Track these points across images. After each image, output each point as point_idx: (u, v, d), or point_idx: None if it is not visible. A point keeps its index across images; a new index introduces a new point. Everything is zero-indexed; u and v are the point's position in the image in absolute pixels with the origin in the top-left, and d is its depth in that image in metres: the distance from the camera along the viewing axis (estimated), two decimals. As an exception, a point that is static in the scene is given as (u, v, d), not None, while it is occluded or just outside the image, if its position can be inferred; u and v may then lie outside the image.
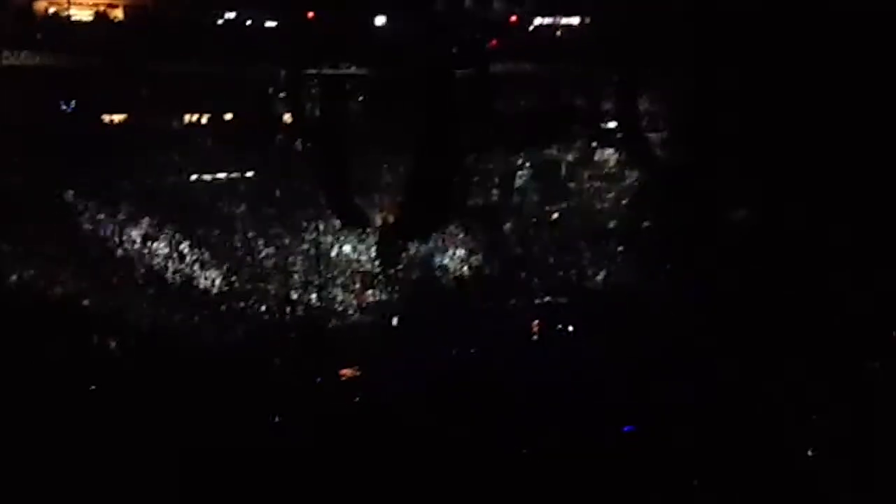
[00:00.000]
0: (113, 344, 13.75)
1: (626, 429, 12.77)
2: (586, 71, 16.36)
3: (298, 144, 16.11)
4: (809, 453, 11.69)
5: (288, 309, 15.16)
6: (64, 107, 15.19)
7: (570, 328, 14.96)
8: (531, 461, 12.27)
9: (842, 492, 10.97)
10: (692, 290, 14.81)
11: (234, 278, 15.27)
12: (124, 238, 15.09)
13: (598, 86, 16.50)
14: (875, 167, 14.58)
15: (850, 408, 12.13)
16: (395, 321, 15.12)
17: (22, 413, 11.45)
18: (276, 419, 12.42)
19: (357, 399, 13.60)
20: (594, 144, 16.57)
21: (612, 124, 16.51)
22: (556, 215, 16.39)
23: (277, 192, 15.89)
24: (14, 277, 14.01)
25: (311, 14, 15.70)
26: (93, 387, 12.79)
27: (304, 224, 15.80)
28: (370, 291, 15.50)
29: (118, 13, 15.51)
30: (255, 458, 11.49)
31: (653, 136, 16.47)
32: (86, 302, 14.21)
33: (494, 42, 16.35)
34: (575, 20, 16.60)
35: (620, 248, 15.94)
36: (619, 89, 16.23)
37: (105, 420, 11.56)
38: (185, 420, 11.68)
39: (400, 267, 15.78)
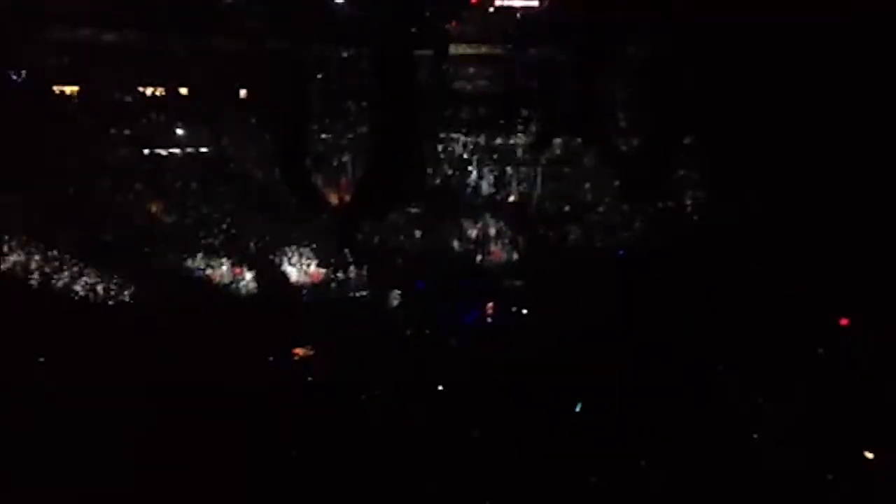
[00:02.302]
0: (60, 320, 13.65)
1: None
2: (546, 53, 16.27)
3: (255, 121, 15.97)
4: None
5: (241, 287, 15.10)
6: (14, 77, 14.95)
7: (524, 311, 14.94)
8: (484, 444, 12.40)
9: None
10: (647, 272, 14.83)
11: (185, 255, 15.18)
12: (73, 211, 14.92)
13: (557, 68, 16.37)
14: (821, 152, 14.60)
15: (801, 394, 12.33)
16: (350, 300, 15.11)
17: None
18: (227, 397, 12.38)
19: (310, 379, 13.62)
20: (552, 128, 16.50)
21: (570, 108, 16.41)
22: (512, 198, 16.37)
23: (233, 168, 15.79)
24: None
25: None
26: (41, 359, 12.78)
27: (259, 202, 15.70)
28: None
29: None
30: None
31: (613, 120, 16.32)
32: (34, 276, 14.11)
33: (454, 23, 16.28)
34: (535, 2, 16.51)
35: (578, 231, 15.94)
36: (578, 72, 16.09)
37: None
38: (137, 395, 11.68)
39: (356, 247, 15.71)
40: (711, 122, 14.86)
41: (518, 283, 15.23)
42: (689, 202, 15.70)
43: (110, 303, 14.54)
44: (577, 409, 12.56)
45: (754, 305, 13.33)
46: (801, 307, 13.30)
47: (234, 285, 15.06)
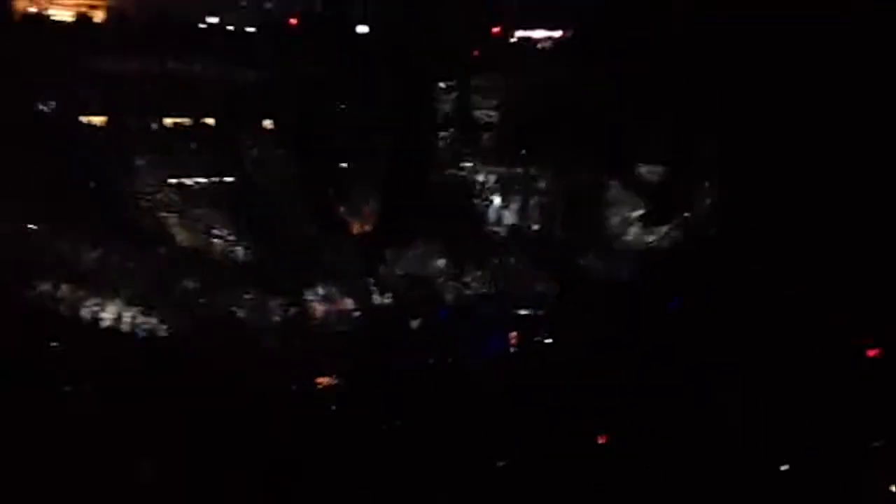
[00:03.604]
0: (85, 348, 13.72)
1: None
2: (568, 83, 16.31)
3: (277, 150, 16.07)
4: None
5: (265, 316, 15.12)
6: (42, 108, 15.12)
7: (548, 340, 14.95)
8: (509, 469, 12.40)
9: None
10: (672, 298, 14.82)
11: (211, 283, 15.24)
12: (100, 240, 15.01)
13: (580, 98, 16.39)
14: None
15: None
16: (372, 329, 15.12)
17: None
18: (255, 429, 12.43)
19: (333, 408, 13.67)
20: (576, 158, 16.50)
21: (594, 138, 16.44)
22: (535, 226, 16.37)
23: (256, 198, 15.88)
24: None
25: (293, 21, 15.75)
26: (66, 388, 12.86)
27: (282, 230, 15.77)
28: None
29: (99, 14, 15.45)
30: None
31: (635, 151, 16.30)
32: (59, 305, 14.17)
33: (476, 52, 16.38)
34: (557, 33, 16.59)
35: (599, 261, 15.92)
36: (602, 103, 16.12)
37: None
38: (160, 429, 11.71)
39: (378, 274, 15.75)
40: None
41: (541, 312, 15.22)
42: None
43: (135, 329, 14.63)
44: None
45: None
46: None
47: (257, 314, 15.09)
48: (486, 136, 16.56)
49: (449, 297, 15.55)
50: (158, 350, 14.17)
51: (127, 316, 14.50)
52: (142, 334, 14.45)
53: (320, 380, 13.97)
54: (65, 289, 14.41)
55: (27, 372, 12.61)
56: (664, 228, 15.70)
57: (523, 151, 16.46)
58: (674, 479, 11.47)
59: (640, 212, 15.99)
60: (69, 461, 10.94)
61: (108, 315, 14.38)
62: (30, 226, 14.49)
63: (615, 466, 12.03)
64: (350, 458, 11.90)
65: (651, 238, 15.78)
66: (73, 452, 11.08)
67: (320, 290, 15.35)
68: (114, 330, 14.33)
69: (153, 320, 14.55)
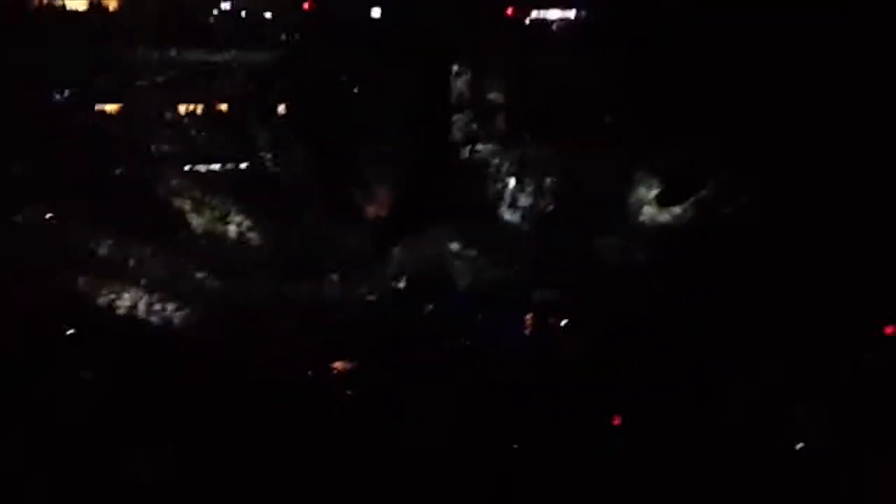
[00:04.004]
0: (103, 336, 13.85)
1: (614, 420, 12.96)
2: (582, 64, 16.21)
3: (293, 135, 16.10)
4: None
5: (281, 301, 15.17)
6: (57, 96, 15.21)
7: (564, 322, 14.94)
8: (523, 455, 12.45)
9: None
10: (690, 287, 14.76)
11: (227, 269, 15.32)
12: (117, 228, 15.12)
13: (594, 78, 16.28)
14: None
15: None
16: (388, 314, 15.14)
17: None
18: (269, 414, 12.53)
19: (349, 393, 13.74)
20: (590, 138, 16.41)
21: (608, 118, 16.35)
22: (550, 207, 16.31)
23: (272, 184, 15.93)
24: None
25: (306, 5, 15.74)
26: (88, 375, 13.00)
27: (298, 215, 15.82)
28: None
29: (112, 2, 15.47)
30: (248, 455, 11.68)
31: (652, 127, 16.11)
32: (77, 295, 14.29)
33: (490, 33, 16.29)
34: (572, 13, 16.48)
35: (616, 243, 15.86)
36: (614, 82, 16.00)
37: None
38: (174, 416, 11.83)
39: (394, 258, 15.76)
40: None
41: (556, 294, 15.19)
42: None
43: (151, 314, 14.73)
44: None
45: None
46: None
47: (273, 300, 15.13)
48: (500, 117, 16.54)
49: (465, 281, 15.58)
50: (175, 337, 14.28)
51: (145, 303, 14.62)
52: (160, 321, 14.57)
53: (336, 365, 14.03)
54: (88, 276, 14.57)
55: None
56: (679, 209, 15.65)
57: (537, 132, 16.42)
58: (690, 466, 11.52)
59: (655, 192, 15.94)
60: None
61: (126, 303, 14.50)
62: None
63: (632, 451, 12.05)
64: (367, 444, 12.01)
65: (666, 218, 15.73)
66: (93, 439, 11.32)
67: (336, 276, 15.41)
68: (131, 317, 14.44)
69: (171, 307, 14.67)
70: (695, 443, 12.11)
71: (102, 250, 14.75)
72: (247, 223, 15.72)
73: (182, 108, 15.86)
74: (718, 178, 15.36)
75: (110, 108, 15.49)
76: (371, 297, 15.31)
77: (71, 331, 13.45)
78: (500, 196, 16.37)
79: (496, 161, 16.48)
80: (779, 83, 14.42)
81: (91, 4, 15.30)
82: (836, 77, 14.00)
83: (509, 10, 16.43)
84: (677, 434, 12.31)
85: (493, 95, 16.62)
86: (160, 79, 15.55)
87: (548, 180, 16.28)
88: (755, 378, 12.95)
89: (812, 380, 12.80)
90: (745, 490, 11.25)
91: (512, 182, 16.35)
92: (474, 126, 16.28)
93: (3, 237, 14.20)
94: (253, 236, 15.72)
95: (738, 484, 11.31)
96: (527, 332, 14.78)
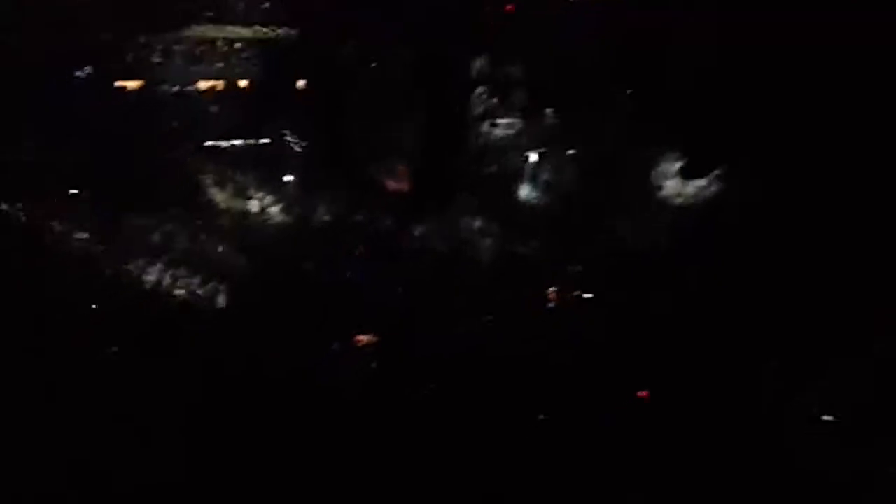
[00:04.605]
0: (122, 312, 13.85)
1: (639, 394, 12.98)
2: (604, 34, 16.06)
3: (313, 111, 16.03)
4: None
5: (301, 277, 15.18)
6: (78, 73, 15.16)
7: (586, 295, 14.91)
8: (544, 431, 12.49)
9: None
10: (708, 259, 14.71)
11: (246, 245, 15.31)
12: (137, 204, 15.11)
13: (610, 53, 16.13)
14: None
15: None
16: (405, 290, 15.11)
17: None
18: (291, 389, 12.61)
19: (373, 366, 13.78)
20: (611, 109, 16.29)
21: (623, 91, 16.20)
22: (572, 181, 16.21)
23: (292, 160, 15.88)
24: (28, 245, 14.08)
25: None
26: (114, 349, 13.09)
27: (319, 191, 15.78)
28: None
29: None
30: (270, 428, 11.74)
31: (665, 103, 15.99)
32: (99, 271, 14.29)
33: (510, 7, 16.13)
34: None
35: (638, 218, 15.76)
36: (629, 59, 15.87)
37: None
38: (199, 390, 11.89)
39: (414, 235, 15.73)
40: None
41: (580, 268, 15.15)
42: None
43: (182, 289, 14.75)
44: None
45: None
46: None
47: (297, 274, 15.15)
48: (520, 91, 16.43)
49: (487, 256, 15.55)
50: (196, 313, 14.33)
51: (166, 279, 14.65)
52: (181, 297, 14.61)
53: (360, 338, 14.08)
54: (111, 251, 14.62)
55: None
56: (704, 181, 15.54)
57: (558, 105, 16.32)
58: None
59: (679, 164, 15.82)
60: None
61: (148, 278, 14.55)
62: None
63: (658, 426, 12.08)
64: (392, 419, 12.07)
65: (690, 191, 15.64)
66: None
67: (358, 251, 15.39)
68: (152, 293, 14.48)
69: (192, 283, 14.70)
70: (719, 418, 12.14)
71: (124, 226, 14.82)
72: (267, 199, 15.71)
73: (203, 85, 15.82)
74: (744, 151, 15.20)
75: (131, 84, 15.45)
76: (393, 273, 15.29)
77: (95, 306, 13.61)
78: (521, 170, 16.29)
79: (517, 135, 16.38)
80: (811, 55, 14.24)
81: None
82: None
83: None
84: (703, 410, 12.35)
85: (512, 68, 16.47)
86: (179, 55, 15.56)
87: (569, 153, 16.19)
88: (780, 355, 12.95)
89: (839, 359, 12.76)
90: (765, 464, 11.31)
91: (533, 156, 16.27)
92: (494, 100, 16.19)
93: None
94: (273, 213, 15.71)
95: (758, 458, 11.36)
96: (551, 306, 14.76)
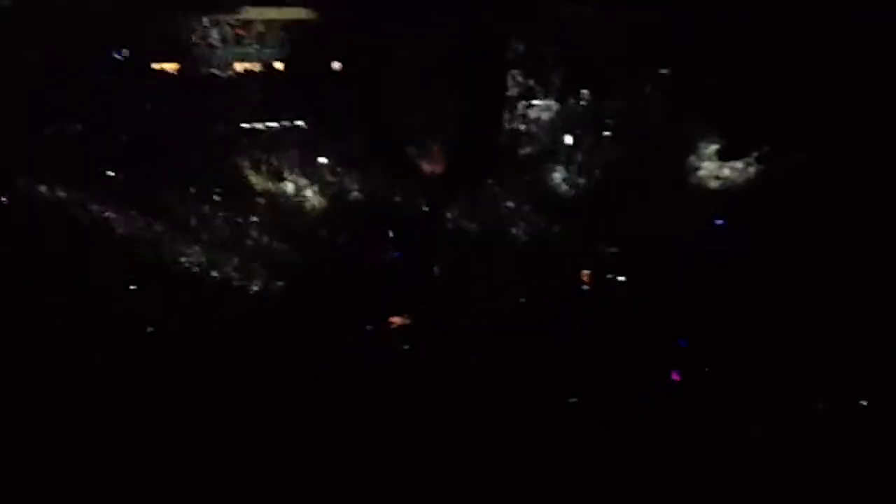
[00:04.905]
0: (156, 290, 14.04)
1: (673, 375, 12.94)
2: (641, 15, 15.91)
3: (348, 93, 16.07)
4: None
5: (335, 256, 15.27)
6: (116, 55, 15.33)
7: (621, 278, 14.86)
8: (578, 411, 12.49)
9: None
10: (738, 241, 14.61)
11: (284, 224, 15.43)
12: (173, 184, 15.27)
13: (649, 30, 15.97)
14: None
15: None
16: (439, 272, 15.14)
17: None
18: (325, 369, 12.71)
19: (407, 347, 13.83)
20: (647, 90, 16.18)
21: (664, 70, 16.07)
22: (607, 165, 16.14)
23: (328, 141, 15.95)
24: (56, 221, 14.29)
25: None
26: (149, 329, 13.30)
27: (354, 173, 15.85)
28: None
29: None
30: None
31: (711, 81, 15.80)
32: (132, 250, 14.46)
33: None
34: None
35: (672, 199, 15.66)
36: (669, 34, 15.70)
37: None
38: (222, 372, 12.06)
39: (449, 216, 15.74)
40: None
41: (614, 250, 15.10)
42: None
43: (212, 272, 14.90)
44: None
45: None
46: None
47: (336, 255, 15.22)
48: (556, 72, 16.35)
49: (521, 238, 15.54)
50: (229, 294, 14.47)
51: (200, 261, 14.81)
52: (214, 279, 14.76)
53: (394, 319, 14.14)
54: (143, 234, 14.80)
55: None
56: (741, 163, 15.42)
57: (594, 87, 16.23)
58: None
59: (716, 146, 15.71)
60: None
61: (183, 260, 14.72)
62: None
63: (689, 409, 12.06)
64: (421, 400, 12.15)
65: (727, 173, 15.52)
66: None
67: (392, 233, 15.45)
68: (185, 275, 14.64)
69: (227, 265, 14.84)
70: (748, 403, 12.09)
71: (160, 207, 15.00)
72: (302, 182, 15.80)
73: (238, 67, 15.93)
74: (783, 133, 15.05)
75: (166, 66, 15.60)
76: (428, 255, 15.33)
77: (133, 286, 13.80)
78: (556, 151, 16.24)
79: (552, 117, 16.33)
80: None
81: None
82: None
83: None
84: (733, 393, 12.30)
85: (547, 49, 16.39)
86: (214, 38, 15.67)
87: (605, 135, 16.12)
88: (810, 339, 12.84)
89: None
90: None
91: (569, 138, 16.21)
92: (530, 81, 16.14)
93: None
94: (308, 195, 15.80)
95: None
96: (584, 288, 14.73)
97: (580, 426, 12.21)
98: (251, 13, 15.80)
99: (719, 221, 14.97)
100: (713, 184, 15.50)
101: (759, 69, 14.67)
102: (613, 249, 15.24)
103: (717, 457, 11.35)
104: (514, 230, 15.56)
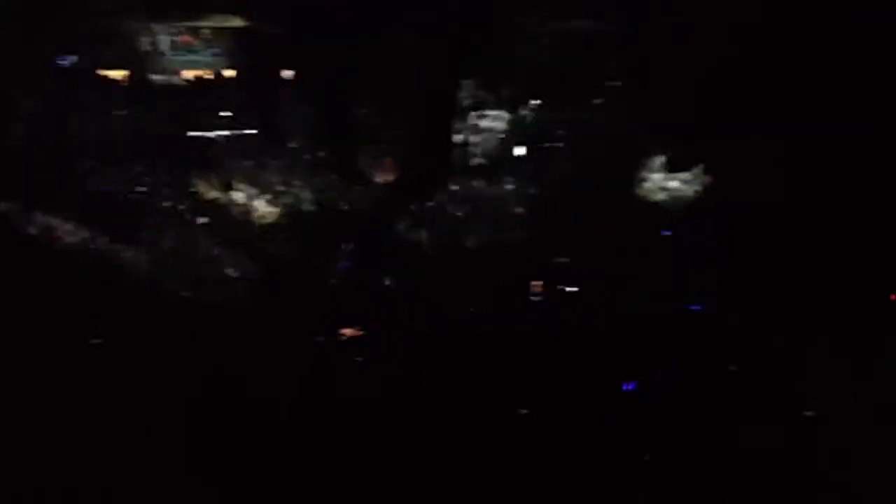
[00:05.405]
0: (113, 295, 13.81)
1: (626, 386, 13.00)
2: (597, 26, 16.05)
3: (300, 101, 15.98)
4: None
5: (288, 267, 15.17)
6: (62, 62, 15.09)
7: (573, 288, 14.92)
8: (530, 422, 12.50)
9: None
10: (705, 244, 14.74)
11: (234, 234, 15.29)
12: (127, 189, 15.08)
13: (607, 41, 16.12)
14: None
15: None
16: (388, 281, 15.10)
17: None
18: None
19: (358, 359, 13.76)
20: (600, 102, 16.30)
21: (618, 82, 16.19)
22: (559, 174, 16.23)
23: (279, 149, 15.86)
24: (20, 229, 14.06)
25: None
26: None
27: (307, 181, 15.77)
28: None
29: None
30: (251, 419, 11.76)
31: (662, 93, 15.97)
32: (90, 254, 14.25)
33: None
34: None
35: (630, 208, 15.79)
36: (627, 46, 15.86)
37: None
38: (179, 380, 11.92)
39: (402, 225, 15.73)
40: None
41: (565, 261, 15.15)
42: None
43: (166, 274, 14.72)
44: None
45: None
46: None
47: (287, 265, 15.12)
48: (508, 83, 16.40)
49: (472, 247, 15.56)
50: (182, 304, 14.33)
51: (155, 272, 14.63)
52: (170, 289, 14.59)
53: (345, 331, 14.08)
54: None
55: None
56: (689, 175, 15.58)
57: (546, 98, 16.30)
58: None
59: (663, 158, 15.86)
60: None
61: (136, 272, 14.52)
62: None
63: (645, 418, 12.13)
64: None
65: (674, 185, 15.66)
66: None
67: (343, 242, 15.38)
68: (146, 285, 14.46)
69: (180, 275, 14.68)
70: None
71: (109, 218, 14.79)
72: (252, 191, 15.68)
73: (189, 74, 15.75)
74: (731, 144, 15.22)
75: (115, 73, 15.39)
76: (379, 264, 15.30)
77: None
78: (507, 162, 16.30)
79: (504, 126, 16.39)
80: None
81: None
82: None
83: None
84: (688, 403, 12.39)
85: (499, 59, 16.44)
86: (166, 46, 15.48)
87: (556, 146, 16.21)
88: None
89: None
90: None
91: (520, 149, 16.27)
92: (482, 92, 16.17)
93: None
94: (258, 204, 15.69)
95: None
96: (536, 298, 14.78)
97: (535, 437, 12.22)
98: (200, 20, 15.64)
99: (667, 232, 15.12)
100: (661, 195, 15.67)
101: (720, 77, 14.87)
102: (564, 259, 15.31)
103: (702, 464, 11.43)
104: (465, 240, 15.60)
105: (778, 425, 11.73)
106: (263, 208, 15.53)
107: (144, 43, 15.45)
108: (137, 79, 15.42)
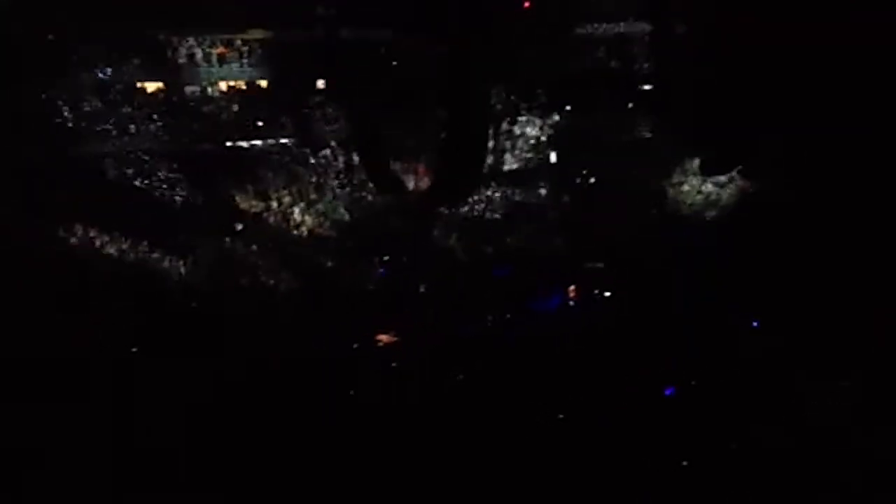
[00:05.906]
0: (137, 307, 14.00)
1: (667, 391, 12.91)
2: (619, 31, 16.07)
3: (332, 111, 16.11)
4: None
5: (321, 277, 15.27)
6: (101, 75, 15.32)
7: (607, 293, 14.88)
8: (564, 428, 12.44)
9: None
10: (728, 254, 14.63)
11: (269, 245, 15.41)
12: (158, 202, 15.27)
13: (632, 47, 16.13)
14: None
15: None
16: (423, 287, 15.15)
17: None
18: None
19: (394, 365, 13.78)
20: (629, 108, 16.28)
21: (647, 87, 16.18)
22: (591, 180, 16.21)
23: (313, 159, 15.97)
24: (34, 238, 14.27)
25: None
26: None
27: (340, 190, 15.88)
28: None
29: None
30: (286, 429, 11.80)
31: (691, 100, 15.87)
32: (113, 265, 14.48)
33: (527, 3, 16.12)
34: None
35: (655, 213, 15.75)
36: (654, 51, 15.83)
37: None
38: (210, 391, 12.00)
39: (435, 232, 15.78)
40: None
41: (599, 265, 15.11)
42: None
43: (205, 282, 14.86)
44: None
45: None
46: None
47: (318, 270, 15.22)
48: (539, 88, 16.42)
49: (506, 251, 15.58)
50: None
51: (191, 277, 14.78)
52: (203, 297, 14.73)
53: (382, 337, 14.10)
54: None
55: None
56: (724, 178, 15.49)
57: (578, 103, 16.31)
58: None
59: (698, 161, 15.76)
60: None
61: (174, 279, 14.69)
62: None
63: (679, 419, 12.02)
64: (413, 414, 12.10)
65: (710, 188, 15.60)
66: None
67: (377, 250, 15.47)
68: (181, 292, 14.60)
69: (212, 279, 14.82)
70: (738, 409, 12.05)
71: (144, 226, 14.97)
72: (288, 199, 15.81)
73: (223, 85, 15.93)
74: (765, 149, 15.11)
75: (151, 86, 15.61)
76: (414, 268, 15.37)
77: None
78: (539, 166, 16.33)
79: (535, 132, 16.42)
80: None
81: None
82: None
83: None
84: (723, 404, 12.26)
85: (531, 67, 16.48)
86: (199, 56, 15.68)
87: (590, 150, 16.22)
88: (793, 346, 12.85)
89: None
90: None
91: (553, 154, 16.31)
92: (513, 98, 16.21)
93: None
94: (295, 211, 15.82)
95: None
96: (571, 300, 14.75)
97: (564, 436, 12.15)
98: (236, 33, 15.81)
99: (699, 236, 15.06)
100: (697, 198, 15.62)
101: (746, 83, 14.75)
102: (599, 265, 15.28)
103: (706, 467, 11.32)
104: (498, 246, 15.63)
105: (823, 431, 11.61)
106: (298, 216, 15.67)
107: (181, 55, 15.64)
108: (174, 90, 15.65)
